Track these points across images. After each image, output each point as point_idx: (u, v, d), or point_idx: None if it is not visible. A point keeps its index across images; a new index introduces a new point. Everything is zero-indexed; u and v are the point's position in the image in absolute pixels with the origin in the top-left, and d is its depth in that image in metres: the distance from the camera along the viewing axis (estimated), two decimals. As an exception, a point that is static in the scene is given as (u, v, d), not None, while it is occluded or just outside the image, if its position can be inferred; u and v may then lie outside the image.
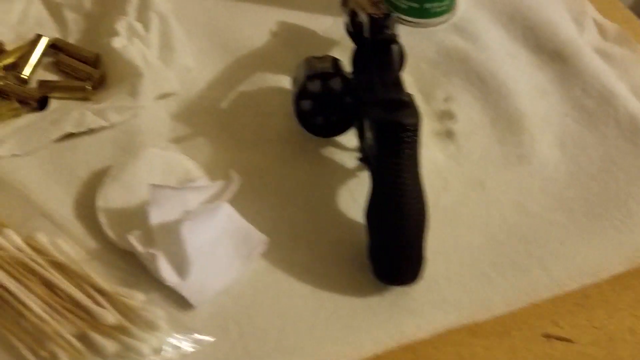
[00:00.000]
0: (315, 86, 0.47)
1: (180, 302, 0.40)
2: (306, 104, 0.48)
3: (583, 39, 0.61)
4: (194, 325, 0.39)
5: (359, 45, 0.48)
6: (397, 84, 0.43)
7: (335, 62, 0.48)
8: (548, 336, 0.43)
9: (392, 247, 0.41)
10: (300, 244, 0.45)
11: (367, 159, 0.44)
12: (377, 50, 0.44)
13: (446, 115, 0.54)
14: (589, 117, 0.55)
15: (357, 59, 0.47)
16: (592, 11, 0.64)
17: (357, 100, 0.47)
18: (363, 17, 0.46)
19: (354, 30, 0.50)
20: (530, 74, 0.58)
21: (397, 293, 0.42)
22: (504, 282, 0.44)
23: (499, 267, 0.45)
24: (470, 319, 0.42)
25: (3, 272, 0.38)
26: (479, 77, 0.56)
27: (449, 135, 0.52)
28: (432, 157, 0.50)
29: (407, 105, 0.41)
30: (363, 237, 0.43)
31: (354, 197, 0.47)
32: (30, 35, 0.53)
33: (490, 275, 0.44)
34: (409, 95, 0.42)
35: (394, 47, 0.44)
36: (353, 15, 0.50)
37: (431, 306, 0.42)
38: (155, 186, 0.41)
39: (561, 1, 0.65)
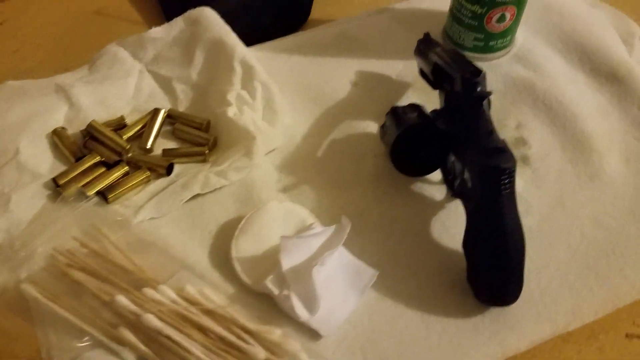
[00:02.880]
0: (407, 138, 0.53)
1: (310, 333, 0.47)
2: (401, 154, 0.54)
3: (633, 59, 0.66)
4: (325, 354, 0.46)
5: (449, 100, 0.53)
6: (492, 133, 0.49)
7: (420, 111, 0.54)
8: (630, 336, 0.48)
9: (498, 274, 0.47)
10: (404, 274, 0.51)
11: (461, 194, 0.50)
12: (471, 105, 0.50)
13: (520, 142, 0.59)
14: (646, 133, 0.60)
15: (449, 111, 0.53)
16: (638, 31, 0.69)
17: (446, 144, 0.53)
18: (456, 78, 0.51)
19: (434, 78, 0.56)
20: (591, 96, 0.63)
21: (497, 311, 0.48)
22: (589, 292, 0.49)
23: (584, 279, 0.50)
24: (564, 329, 0.47)
25: (165, 323, 0.45)
26: (545, 104, 0.62)
27: (524, 160, 0.58)
28: (512, 183, 0.56)
29: (503, 151, 0.46)
30: (459, 262, 0.49)
31: (446, 226, 0.53)
32: (144, 107, 0.61)
33: (577, 287, 0.50)
34: (503, 142, 0.47)
35: (486, 101, 0.50)
36: (428, 62, 0.57)
37: (528, 320, 0.48)
38: (285, 237, 0.48)
39: (609, 24, 0.69)
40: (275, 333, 0.47)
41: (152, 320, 0.45)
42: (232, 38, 0.61)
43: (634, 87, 0.63)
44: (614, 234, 0.53)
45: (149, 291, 0.47)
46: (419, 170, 0.55)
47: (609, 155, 0.58)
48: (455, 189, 0.51)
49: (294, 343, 0.46)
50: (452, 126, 0.51)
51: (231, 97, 0.58)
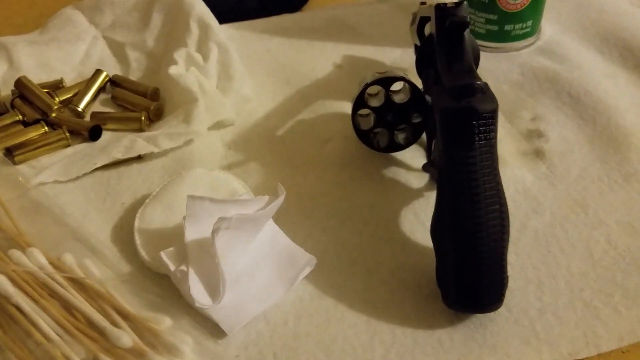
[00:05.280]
0: (375, 92, 0.43)
1: (214, 329, 0.35)
2: (365, 114, 0.43)
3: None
4: (224, 355, 0.33)
5: (422, 45, 0.43)
6: (470, 71, 0.37)
7: (398, 72, 0.43)
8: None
9: (465, 262, 0.33)
10: (355, 269, 0.38)
11: (433, 163, 0.38)
12: (445, 39, 0.38)
13: (534, 134, 0.47)
14: None
15: (421, 59, 0.42)
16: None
17: (424, 108, 0.41)
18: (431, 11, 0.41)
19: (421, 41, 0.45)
20: (632, 92, 0.50)
21: (473, 325, 0.34)
22: (613, 313, 0.35)
23: (607, 296, 0.36)
24: (570, 357, 0.33)
25: (18, 289, 0.34)
26: (571, 96, 0.50)
27: (538, 154, 0.45)
28: (519, 176, 0.43)
29: (481, 91, 0.34)
30: (431, 261, 0.36)
31: (420, 219, 0.41)
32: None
33: (595, 306, 0.35)
34: (485, 84, 0.35)
35: (466, 34, 0.38)
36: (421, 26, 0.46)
37: (519, 342, 0.33)
38: (193, 198, 0.36)
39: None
40: (163, 323, 0.34)
41: (2, 282, 0.34)
42: None
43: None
44: (656, 245, 0.38)
45: (15, 252, 0.37)
46: (391, 144, 0.44)
47: (654, 155, 0.45)
48: (430, 159, 0.39)
49: (182, 336, 0.33)
50: (423, 73, 0.39)
51: (178, 55, 0.49)
